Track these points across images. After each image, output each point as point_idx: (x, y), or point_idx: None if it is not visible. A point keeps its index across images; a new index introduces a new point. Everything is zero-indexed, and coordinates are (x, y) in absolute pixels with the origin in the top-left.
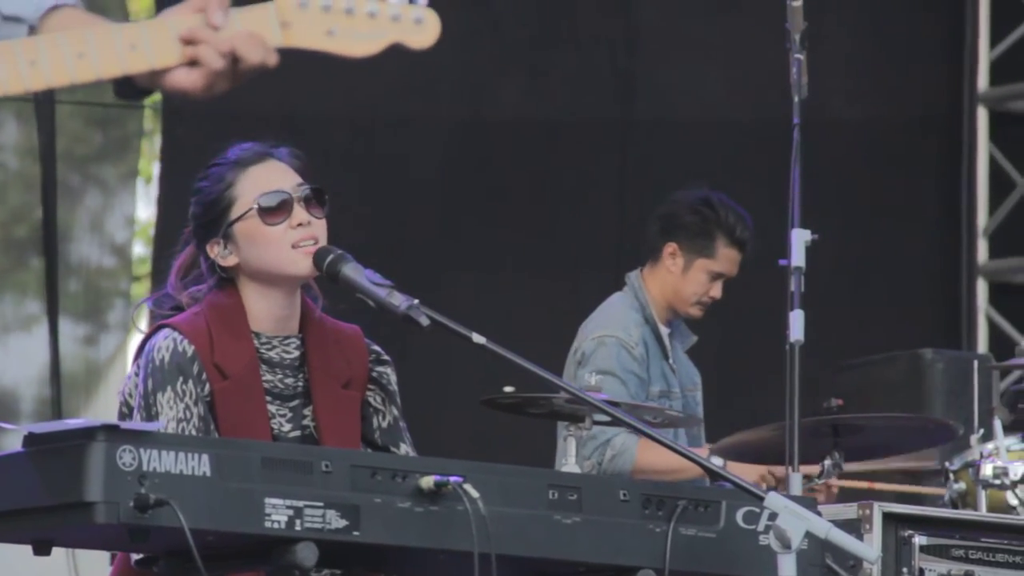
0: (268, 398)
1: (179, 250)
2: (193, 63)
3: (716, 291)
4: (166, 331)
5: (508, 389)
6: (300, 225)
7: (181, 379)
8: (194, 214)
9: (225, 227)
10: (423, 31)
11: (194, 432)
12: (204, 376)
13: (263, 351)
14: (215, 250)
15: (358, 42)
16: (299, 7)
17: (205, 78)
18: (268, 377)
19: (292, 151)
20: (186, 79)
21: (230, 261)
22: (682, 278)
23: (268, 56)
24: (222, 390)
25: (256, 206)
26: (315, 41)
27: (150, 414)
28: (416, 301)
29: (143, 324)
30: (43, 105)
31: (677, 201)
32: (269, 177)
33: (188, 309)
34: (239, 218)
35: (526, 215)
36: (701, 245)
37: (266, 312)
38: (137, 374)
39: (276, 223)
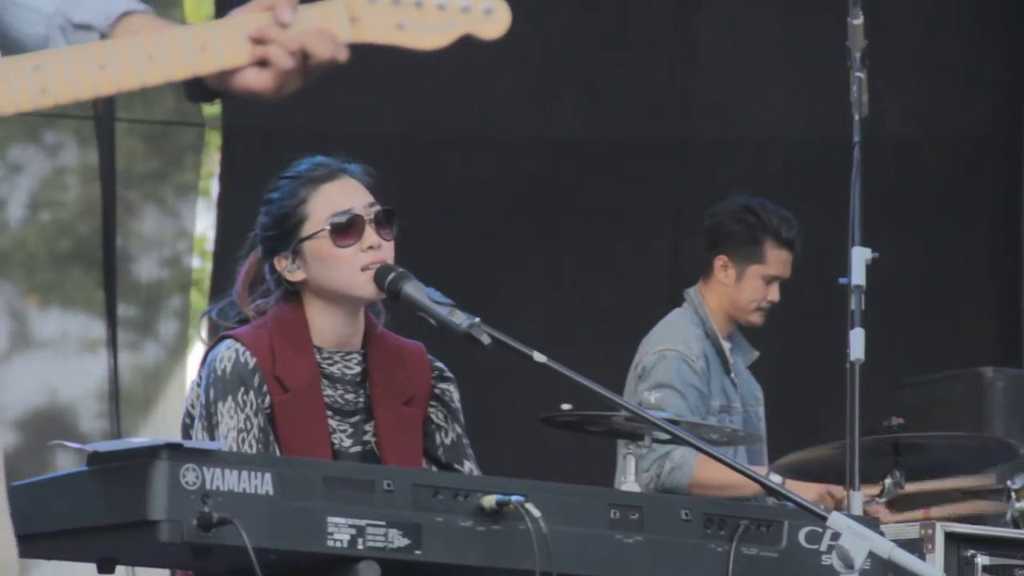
0: (329, 413)
1: (243, 255)
2: (263, 63)
3: (773, 294)
4: (228, 342)
5: (566, 407)
6: (371, 248)
7: (242, 389)
8: (263, 225)
9: (295, 243)
10: (493, 21)
11: (254, 443)
12: (265, 388)
13: (325, 366)
14: (283, 264)
15: (428, 34)
16: (368, 1)
17: (276, 78)
18: (329, 392)
19: (364, 168)
20: (256, 79)
21: (297, 276)
22: (737, 288)
23: (339, 52)
24: (282, 403)
25: (328, 227)
26: (385, 35)
27: (211, 423)
28: (477, 320)
29: (204, 334)
30: (103, 122)
31: (719, 213)
32: (342, 194)
33: (253, 321)
34: (310, 236)
35: (582, 232)
36: (750, 252)
37: (329, 328)
38: (199, 384)
39: (347, 245)
